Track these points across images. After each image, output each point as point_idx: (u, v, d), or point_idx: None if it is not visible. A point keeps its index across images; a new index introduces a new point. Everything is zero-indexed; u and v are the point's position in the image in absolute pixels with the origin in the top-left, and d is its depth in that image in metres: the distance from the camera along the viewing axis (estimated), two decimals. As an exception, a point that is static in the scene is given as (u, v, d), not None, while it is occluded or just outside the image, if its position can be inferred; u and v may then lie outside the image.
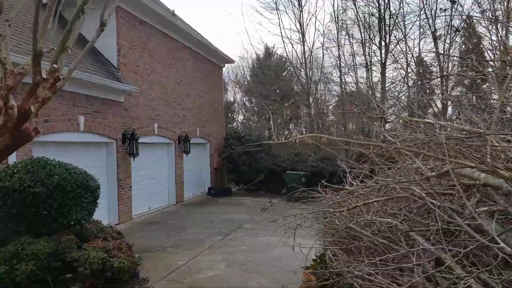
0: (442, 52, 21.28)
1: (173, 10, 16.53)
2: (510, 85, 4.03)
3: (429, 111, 23.95)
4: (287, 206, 14.92)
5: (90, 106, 10.69)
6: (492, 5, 18.34)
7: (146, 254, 8.59)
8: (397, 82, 21.61)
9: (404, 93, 21.37)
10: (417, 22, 20.28)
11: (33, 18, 2.72)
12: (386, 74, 20.22)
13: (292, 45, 28.91)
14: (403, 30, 19.99)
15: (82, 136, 10.47)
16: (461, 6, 21.31)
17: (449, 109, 23.82)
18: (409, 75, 21.97)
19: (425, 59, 21.98)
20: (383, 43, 19.30)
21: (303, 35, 21.40)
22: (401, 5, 19.44)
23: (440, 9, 18.62)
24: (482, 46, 23.35)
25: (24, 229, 6.44)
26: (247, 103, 35.31)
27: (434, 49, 21.22)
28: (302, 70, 22.06)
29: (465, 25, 23.16)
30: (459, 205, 3.15)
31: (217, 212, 13.90)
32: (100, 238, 6.93)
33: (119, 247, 6.64)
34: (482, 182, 2.98)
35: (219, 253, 8.80)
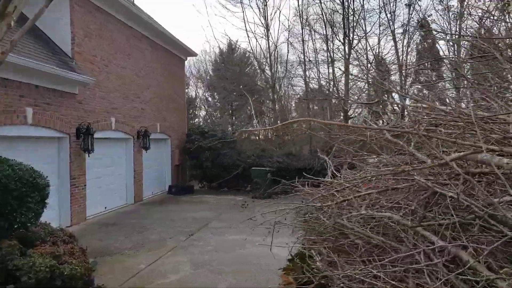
0: (400, 50, 21.51)
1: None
2: None
3: (387, 108, 24.30)
4: (258, 203, 14.44)
5: (40, 98, 9.75)
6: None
7: (102, 258, 7.84)
8: (359, 79, 21.62)
9: (365, 90, 21.44)
10: (380, 21, 20.28)
11: None
12: (350, 70, 20.11)
13: (257, 39, 28.29)
14: (364, 28, 19.98)
15: (31, 130, 9.52)
16: (419, 6, 21.49)
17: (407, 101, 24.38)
18: (370, 72, 22.07)
19: (385, 56, 22.17)
20: (346, 39, 19.13)
21: (268, 30, 20.95)
22: (363, 2, 19.34)
23: (406, 4, 18.63)
24: (437, 44, 23.92)
25: (-43, 234, 5.59)
26: (209, 99, 34.57)
27: (393, 47, 21.41)
28: (267, 65, 21.60)
29: (421, 24, 23.60)
30: (468, 194, 2.73)
31: (179, 211, 13.20)
32: (48, 243, 6.15)
33: (71, 251, 5.90)
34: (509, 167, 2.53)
35: (184, 254, 8.16)
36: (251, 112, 31.05)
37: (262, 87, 27.29)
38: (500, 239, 2.27)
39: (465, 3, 18.50)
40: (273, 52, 21.16)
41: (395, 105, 22.31)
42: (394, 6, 20.24)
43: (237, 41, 41.33)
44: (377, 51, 21.71)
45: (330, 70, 21.62)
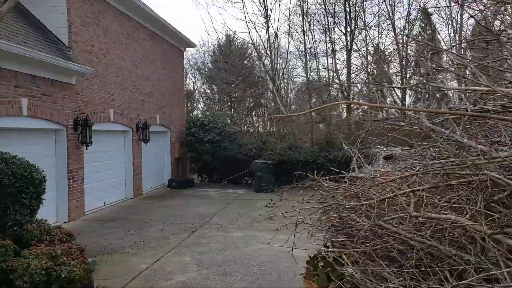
0: (400, 42, 21.14)
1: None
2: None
3: (388, 99, 23.96)
4: (265, 197, 14.08)
5: (36, 88, 9.31)
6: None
7: (102, 257, 7.46)
8: (360, 71, 21.25)
9: (366, 81, 21.05)
10: (380, 12, 19.77)
11: None
12: (351, 62, 19.69)
13: (256, 30, 27.78)
14: (364, 19, 19.51)
15: (26, 121, 9.08)
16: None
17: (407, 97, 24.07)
18: (370, 63, 21.70)
19: (385, 48, 21.78)
20: (348, 29, 18.69)
21: (268, 20, 20.42)
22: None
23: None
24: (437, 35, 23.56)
25: None
26: (208, 91, 34.06)
27: (393, 39, 21.02)
28: (267, 55, 21.11)
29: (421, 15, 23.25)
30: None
31: (180, 205, 12.82)
32: (45, 242, 5.76)
33: (69, 251, 5.50)
34: None
35: (188, 252, 7.78)
36: (251, 104, 30.66)
37: (261, 79, 26.83)
38: None
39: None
40: (273, 43, 20.68)
41: (396, 96, 21.96)
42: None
43: (235, 32, 40.77)
44: (377, 42, 21.33)
45: (331, 61, 21.20)
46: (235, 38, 30.15)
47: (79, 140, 10.81)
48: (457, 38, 20.26)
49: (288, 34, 19.80)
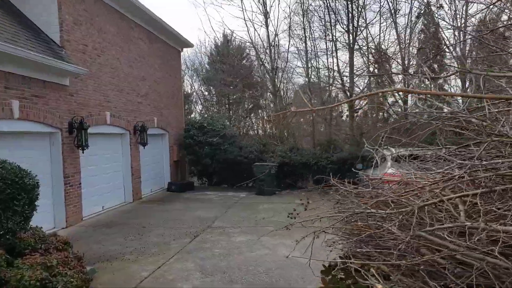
0: (402, 41, 20.86)
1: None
2: None
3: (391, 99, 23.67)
4: (267, 200, 13.69)
5: (28, 89, 8.92)
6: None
7: (101, 264, 7.07)
8: (363, 70, 20.93)
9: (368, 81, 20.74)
10: (381, 10, 19.44)
11: None
12: (353, 60, 19.35)
13: (255, 28, 27.48)
14: (365, 17, 19.17)
15: (18, 124, 8.70)
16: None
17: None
18: (372, 62, 21.38)
19: (387, 46, 21.47)
20: (351, 26, 18.35)
21: (267, 18, 20.10)
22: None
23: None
24: (440, 34, 23.32)
25: None
26: (206, 93, 33.66)
27: (396, 37, 20.73)
28: (266, 54, 20.75)
29: (424, 12, 22.97)
30: None
31: (181, 209, 12.43)
32: (39, 251, 5.38)
33: (65, 261, 5.12)
34: None
35: (191, 258, 7.40)
36: (249, 106, 30.28)
37: (260, 80, 26.45)
38: None
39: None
40: (273, 41, 20.34)
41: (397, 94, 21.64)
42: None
43: (233, 32, 40.39)
44: (378, 40, 21.02)
45: (331, 60, 20.88)
46: (232, 38, 29.86)
47: (74, 144, 10.42)
48: (461, 36, 19.99)
49: (289, 32, 19.43)
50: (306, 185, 17.65)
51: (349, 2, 18.35)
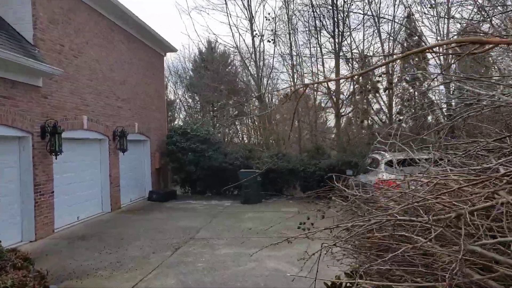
0: (386, 51, 20.64)
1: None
2: None
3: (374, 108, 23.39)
4: (253, 209, 13.07)
5: (-6, 90, 8.20)
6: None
7: (70, 282, 6.36)
8: (346, 78, 20.58)
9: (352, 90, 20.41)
10: (364, 17, 19.14)
11: None
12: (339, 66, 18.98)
13: (240, 34, 27.05)
14: (349, 24, 18.81)
15: (-17, 127, 7.96)
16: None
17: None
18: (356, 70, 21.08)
19: (374, 53, 21.19)
20: (336, 31, 17.98)
21: (252, 23, 19.61)
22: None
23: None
24: (423, 42, 23.23)
25: None
26: (189, 100, 32.98)
27: (380, 46, 20.51)
28: (252, 60, 20.23)
29: (407, 22, 22.91)
30: None
31: (162, 220, 11.72)
32: (-6, 269, 4.68)
33: (22, 281, 4.41)
34: None
35: (172, 274, 6.73)
36: (234, 112, 29.70)
37: (244, 87, 25.93)
38: None
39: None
40: (258, 47, 19.84)
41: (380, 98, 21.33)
42: (379, 3, 19.34)
43: (217, 38, 39.92)
44: (362, 47, 20.76)
45: (316, 67, 20.49)
46: (217, 45, 29.36)
47: (47, 149, 9.68)
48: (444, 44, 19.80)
49: (274, 37, 18.94)
50: (294, 192, 17.13)
51: (334, 8, 18.01)
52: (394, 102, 22.93)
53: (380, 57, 20.99)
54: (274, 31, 18.87)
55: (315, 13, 17.74)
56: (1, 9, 9.61)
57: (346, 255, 3.43)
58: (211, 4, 28.06)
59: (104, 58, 12.99)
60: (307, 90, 20.82)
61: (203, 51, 30.15)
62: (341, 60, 18.41)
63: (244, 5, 19.57)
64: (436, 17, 19.73)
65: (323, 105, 23.76)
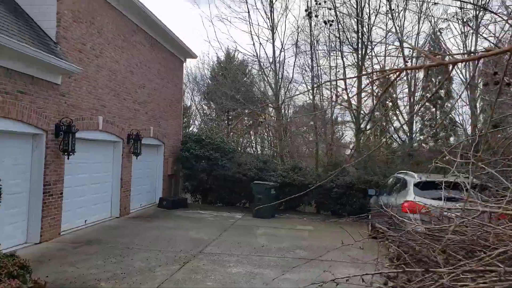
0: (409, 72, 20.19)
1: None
2: None
3: (394, 124, 22.88)
4: (265, 224, 12.65)
5: (12, 84, 7.97)
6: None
7: (72, 292, 6.02)
8: (369, 94, 20.25)
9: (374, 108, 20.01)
10: (387, 35, 18.80)
11: None
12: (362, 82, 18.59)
13: (261, 43, 26.84)
14: (371, 40, 18.40)
15: (-4, 122, 7.73)
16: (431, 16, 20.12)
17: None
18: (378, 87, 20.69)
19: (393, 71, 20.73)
20: (360, 45, 17.63)
21: (273, 32, 19.38)
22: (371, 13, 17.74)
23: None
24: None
25: None
26: (205, 107, 32.83)
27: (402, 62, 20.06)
28: (271, 70, 19.96)
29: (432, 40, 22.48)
30: None
31: (171, 229, 11.38)
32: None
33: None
34: None
35: (178, 292, 6.36)
36: (249, 122, 29.43)
37: (261, 96, 25.68)
38: None
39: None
40: (278, 57, 19.57)
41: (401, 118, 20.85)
42: (403, 18, 18.96)
43: (236, 48, 39.84)
44: (384, 63, 20.36)
45: (335, 80, 20.09)
46: (236, 54, 29.25)
47: (60, 148, 9.43)
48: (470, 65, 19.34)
49: (295, 48, 18.64)
50: (310, 208, 16.74)
51: (359, 21, 17.68)
52: (414, 121, 22.47)
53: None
54: (296, 41, 18.56)
55: (339, 25, 17.37)
56: (27, 6, 9.44)
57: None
58: (234, 12, 27.90)
59: (124, 60, 12.80)
60: (327, 102, 20.46)
61: (222, 59, 30.08)
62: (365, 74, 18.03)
63: (266, 15, 19.35)
64: (464, 34, 19.29)
65: (340, 119, 23.38)
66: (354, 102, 18.27)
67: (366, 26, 17.64)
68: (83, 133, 10.42)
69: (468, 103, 20.18)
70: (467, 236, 2.71)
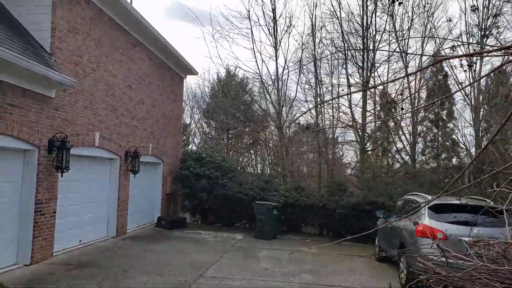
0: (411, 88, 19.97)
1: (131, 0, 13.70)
2: None
3: (397, 146, 22.48)
4: (268, 245, 12.08)
5: (1, 96, 7.53)
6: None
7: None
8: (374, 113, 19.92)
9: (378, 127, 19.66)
10: (390, 54, 18.53)
11: None
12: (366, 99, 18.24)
13: (263, 60, 26.62)
14: (373, 58, 18.10)
15: (-16, 137, 7.26)
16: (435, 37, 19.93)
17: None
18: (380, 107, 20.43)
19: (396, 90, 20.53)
20: (365, 64, 17.35)
21: (277, 49, 19.11)
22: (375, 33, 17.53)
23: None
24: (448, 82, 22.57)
25: None
26: (205, 126, 32.45)
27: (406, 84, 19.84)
28: (273, 88, 19.62)
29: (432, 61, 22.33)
30: None
31: (170, 251, 10.79)
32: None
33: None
34: None
35: (177, 321, 5.79)
36: (249, 141, 29.01)
37: (262, 114, 25.31)
38: None
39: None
40: (281, 75, 19.25)
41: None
42: (407, 38, 18.80)
43: (238, 65, 39.71)
44: (386, 83, 20.06)
45: (339, 99, 19.76)
46: (236, 71, 29.01)
47: (53, 165, 8.93)
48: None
49: (300, 65, 18.34)
50: (312, 230, 16.18)
51: (365, 38, 17.44)
52: (417, 142, 22.06)
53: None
54: (300, 59, 18.28)
55: (345, 43, 17.10)
56: (21, 16, 9.07)
57: None
58: (236, 29, 27.65)
59: (122, 74, 12.41)
60: (329, 120, 20.07)
61: (223, 76, 29.85)
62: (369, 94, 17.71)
63: (269, 32, 19.11)
64: (468, 59, 19.08)
65: (340, 139, 22.96)
66: (358, 121, 17.88)
67: (371, 44, 17.39)
68: (78, 149, 9.94)
69: (472, 124, 19.86)
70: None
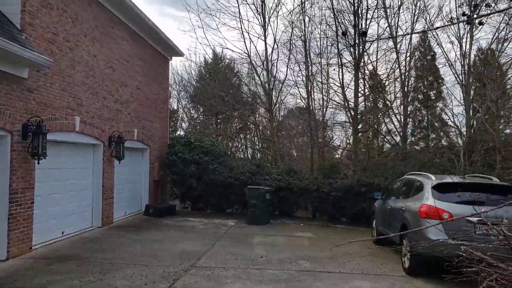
0: (402, 67, 19.50)
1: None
2: None
3: (388, 127, 22.09)
4: (261, 231, 11.59)
5: (-33, 77, 6.80)
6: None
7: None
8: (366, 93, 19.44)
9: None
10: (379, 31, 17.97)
11: None
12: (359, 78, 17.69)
13: (251, 40, 25.91)
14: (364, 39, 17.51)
15: None
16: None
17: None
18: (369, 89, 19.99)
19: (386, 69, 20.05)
20: (358, 40, 16.74)
21: (265, 28, 18.39)
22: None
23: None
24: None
25: None
26: (192, 111, 31.66)
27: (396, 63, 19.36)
28: (263, 69, 18.94)
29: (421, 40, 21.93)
30: None
31: (159, 240, 10.22)
32: None
33: None
34: None
35: (167, 319, 5.25)
36: (239, 125, 28.38)
37: (251, 97, 24.66)
38: None
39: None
40: (271, 55, 18.57)
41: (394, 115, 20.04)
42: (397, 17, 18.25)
43: (225, 46, 38.81)
44: (376, 63, 19.59)
45: (332, 76, 19.22)
46: (224, 54, 28.18)
47: (28, 151, 8.24)
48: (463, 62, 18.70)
49: (290, 44, 17.66)
50: (304, 214, 15.72)
51: (356, 17, 16.80)
52: (407, 123, 21.66)
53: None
54: (290, 38, 17.59)
55: (336, 20, 16.44)
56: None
57: None
58: (223, 7, 26.70)
59: (104, 55, 11.65)
60: (319, 102, 19.54)
61: (210, 58, 29.00)
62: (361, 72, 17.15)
63: (257, 10, 18.36)
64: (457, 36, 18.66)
65: (330, 122, 22.45)
66: (351, 101, 17.37)
67: (363, 22, 16.79)
68: (57, 134, 9.26)
69: (463, 104, 19.48)
70: None
